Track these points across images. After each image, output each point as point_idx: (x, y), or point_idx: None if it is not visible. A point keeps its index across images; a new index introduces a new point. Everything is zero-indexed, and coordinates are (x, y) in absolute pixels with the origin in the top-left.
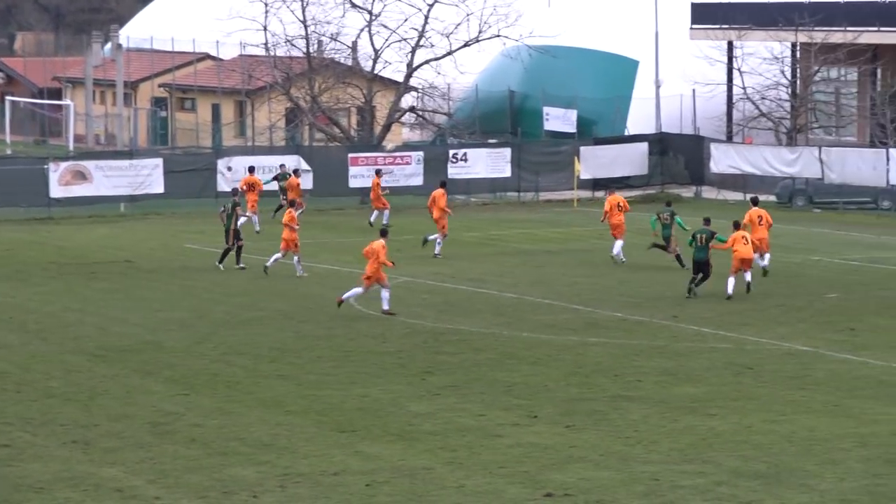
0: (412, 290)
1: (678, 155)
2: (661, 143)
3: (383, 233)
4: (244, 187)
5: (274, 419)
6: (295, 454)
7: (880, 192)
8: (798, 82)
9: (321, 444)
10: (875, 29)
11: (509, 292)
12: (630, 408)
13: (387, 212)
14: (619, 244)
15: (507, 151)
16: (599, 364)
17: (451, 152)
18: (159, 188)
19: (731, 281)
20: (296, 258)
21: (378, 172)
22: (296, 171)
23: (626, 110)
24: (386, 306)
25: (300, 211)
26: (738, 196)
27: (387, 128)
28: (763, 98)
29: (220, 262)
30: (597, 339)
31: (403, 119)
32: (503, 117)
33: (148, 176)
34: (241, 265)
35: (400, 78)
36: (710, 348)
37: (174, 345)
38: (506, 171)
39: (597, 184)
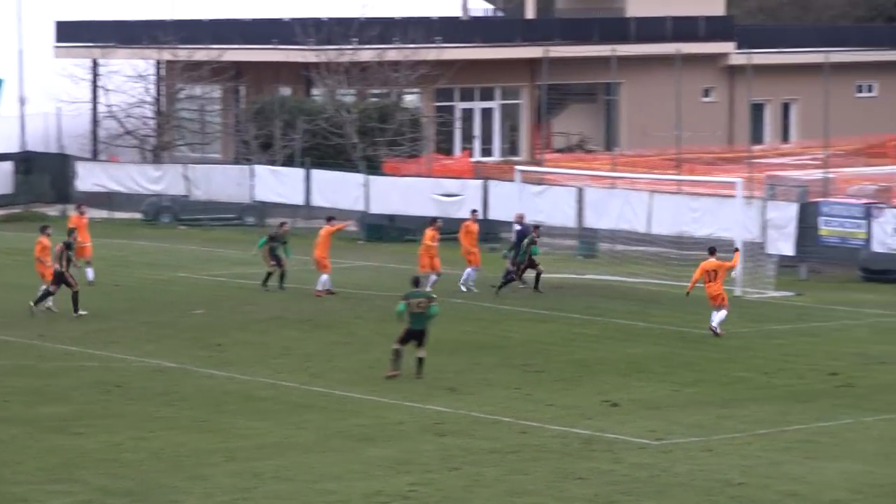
0: None
1: (44, 173)
2: (26, 162)
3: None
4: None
5: None
6: None
7: (245, 208)
8: (163, 100)
9: None
10: (238, 47)
11: None
12: None
13: None
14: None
15: None
16: None
17: None
18: None
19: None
20: None
21: None
22: None
23: None
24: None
25: None
26: (103, 214)
27: None
28: (128, 116)
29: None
30: None
31: None
32: None
33: None
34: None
35: None
36: (78, 367)
37: None
38: None
39: None
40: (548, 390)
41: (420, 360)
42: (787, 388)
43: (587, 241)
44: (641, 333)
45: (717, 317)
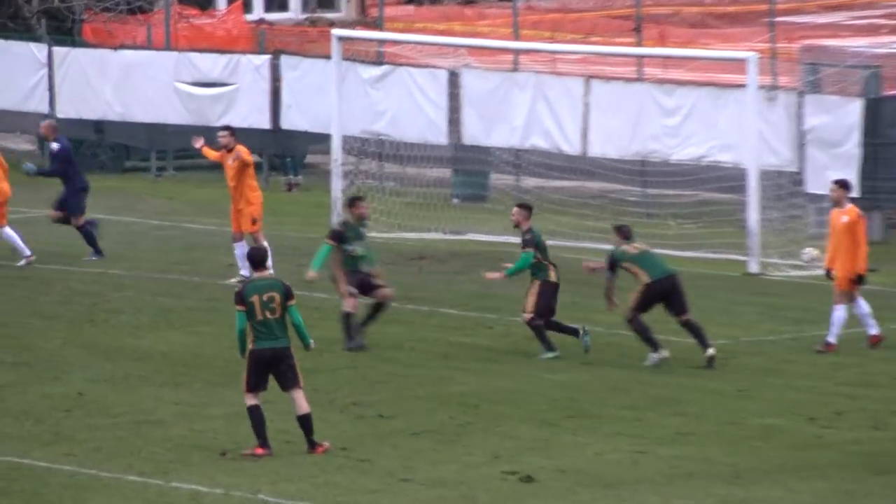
0: None
1: None
2: None
3: None
4: None
5: None
6: None
7: None
8: None
9: None
10: None
11: None
12: None
13: None
14: None
15: None
16: None
17: None
18: None
19: None
20: None
21: None
22: None
23: None
24: None
25: None
26: None
27: None
28: None
29: None
30: None
31: None
32: None
33: None
34: None
35: None
36: None
37: None
38: None
39: None
40: (402, 452)
41: (302, 420)
42: (853, 445)
43: (470, 171)
44: (580, 343)
45: (864, 310)
